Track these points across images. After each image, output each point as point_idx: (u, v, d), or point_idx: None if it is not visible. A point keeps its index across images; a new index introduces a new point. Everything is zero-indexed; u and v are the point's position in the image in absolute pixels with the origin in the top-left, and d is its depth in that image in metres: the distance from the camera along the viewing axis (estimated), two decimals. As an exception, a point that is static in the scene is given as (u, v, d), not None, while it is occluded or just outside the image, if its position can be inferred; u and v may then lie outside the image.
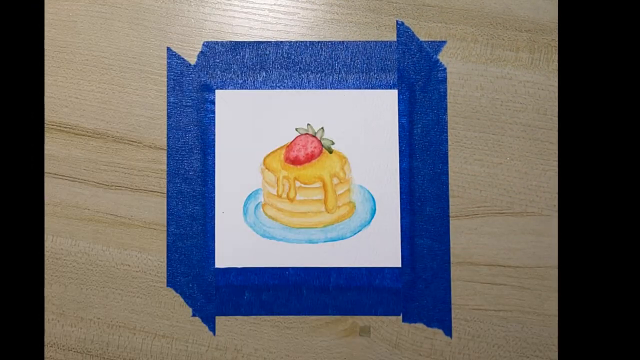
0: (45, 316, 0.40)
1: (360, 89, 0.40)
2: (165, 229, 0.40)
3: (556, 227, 0.40)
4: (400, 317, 0.40)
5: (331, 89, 0.40)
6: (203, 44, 0.40)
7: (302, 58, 0.40)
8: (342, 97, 0.40)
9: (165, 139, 0.40)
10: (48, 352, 0.40)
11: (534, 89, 0.40)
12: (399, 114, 0.40)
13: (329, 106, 0.40)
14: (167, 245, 0.40)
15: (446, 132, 0.40)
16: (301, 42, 0.40)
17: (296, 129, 0.40)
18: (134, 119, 0.40)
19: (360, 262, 0.40)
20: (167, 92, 0.40)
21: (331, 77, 0.40)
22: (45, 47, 0.40)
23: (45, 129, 0.40)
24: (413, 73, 0.40)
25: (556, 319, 0.39)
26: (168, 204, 0.40)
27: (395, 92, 0.40)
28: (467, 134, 0.40)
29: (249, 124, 0.40)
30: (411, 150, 0.40)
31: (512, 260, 0.40)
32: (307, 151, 0.40)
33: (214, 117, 0.40)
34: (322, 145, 0.40)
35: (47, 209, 0.40)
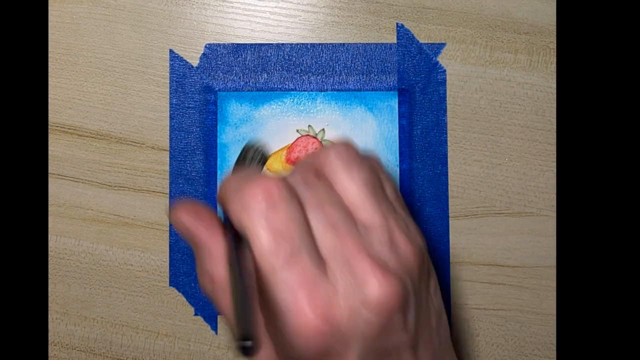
0: (49, 315, 0.40)
1: (360, 90, 0.41)
2: (167, 229, 0.40)
3: (554, 227, 0.40)
4: (400, 317, 0.40)
5: (332, 90, 0.41)
6: (205, 46, 0.41)
7: (303, 60, 0.41)
8: (342, 99, 0.41)
9: (168, 140, 0.41)
10: (52, 351, 0.40)
11: (532, 90, 0.41)
12: (398, 116, 0.41)
13: (329, 108, 0.41)
14: (170, 245, 0.40)
15: (446, 134, 0.40)
16: (302, 44, 0.41)
17: (297, 131, 0.41)
18: (136, 120, 0.41)
19: (360, 262, 0.40)
20: (170, 93, 0.41)
21: (332, 78, 0.41)
22: (49, 49, 0.41)
23: (49, 130, 0.41)
24: (413, 75, 0.41)
25: (554, 318, 0.40)
26: (171, 205, 0.40)
27: (395, 93, 0.41)
28: (467, 135, 0.41)
29: (251, 126, 0.41)
30: (411, 152, 0.40)
31: (510, 260, 0.40)
32: (308, 152, 0.41)
33: (216, 118, 0.41)
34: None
35: (51, 210, 0.40)
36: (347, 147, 0.24)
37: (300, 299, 0.20)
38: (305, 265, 0.20)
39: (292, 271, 0.20)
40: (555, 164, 0.40)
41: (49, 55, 0.41)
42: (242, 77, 0.41)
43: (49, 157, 0.41)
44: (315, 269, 0.20)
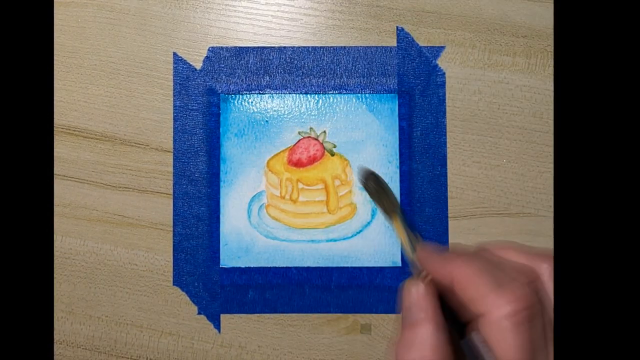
0: (55, 314, 0.41)
1: (361, 93, 0.41)
2: (171, 229, 0.41)
3: (552, 227, 0.41)
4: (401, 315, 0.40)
5: (333, 93, 0.41)
6: (208, 49, 0.41)
7: (304, 63, 0.41)
8: (343, 101, 0.41)
9: (172, 141, 0.41)
10: (57, 349, 0.41)
11: (530, 93, 0.41)
12: (399, 118, 0.41)
13: (330, 110, 0.41)
14: (174, 245, 0.41)
15: (445, 135, 0.41)
16: (304, 47, 0.42)
17: (299, 132, 0.41)
18: (141, 122, 0.41)
19: (361, 262, 0.41)
20: (173, 96, 0.41)
21: (333, 81, 0.41)
22: (55, 52, 0.41)
23: (55, 132, 0.41)
24: (413, 77, 0.41)
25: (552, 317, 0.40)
26: (174, 205, 0.41)
27: (395, 96, 0.41)
28: (465, 136, 0.41)
29: (253, 128, 0.41)
30: (411, 153, 0.41)
31: (509, 260, 0.41)
32: (309, 154, 0.41)
33: (219, 120, 0.41)
34: (324, 148, 0.41)
35: (57, 210, 0.41)
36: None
37: None
38: None
39: None
40: (552, 165, 0.41)
41: (55, 58, 0.41)
42: (244, 80, 0.41)
43: (55, 158, 0.41)
44: None
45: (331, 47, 0.41)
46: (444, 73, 0.41)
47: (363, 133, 0.41)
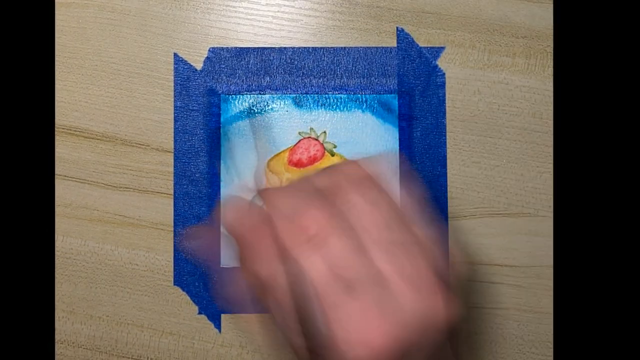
0: (56, 314, 0.41)
1: (361, 93, 0.41)
2: (172, 229, 0.41)
3: (551, 227, 0.41)
4: (401, 315, 0.41)
5: (333, 93, 0.41)
6: (209, 50, 0.42)
7: (305, 63, 0.42)
8: (343, 102, 0.41)
9: (172, 142, 0.41)
10: (59, 349, 0.41)
11: (529, 93, 0.41)
12: (399, 118, 0.41)
13: (331, 110, 0.41)
14: (174, 245, 0.41)
15: (445, 136, 0.41)
16: (304, 48, 0.42)
17: (299, 133, 0.41)
18: (141, 122, 0.41)
19: (361, 262, 0.41)
20: (174, 96, 0.41)
21: (333, 82, 0.42)
22: (56, 53, 0.42)
23: (56, 132, 0.41)
24: (413, 78, 0.42)
25: (551, 316, 0.41)
26: (175, 205, 0.41)
27: (395, 96, 0.41)
28: (465, 137, 0.41)
29: (253, 128, 0.41)
30: (411, 153, 0.41)
31: (508, 260, 0.41)
32: (309, 154, 0.41)
33: (220, 120, 0.41)
34: (325, 149, 0.41)
35: (58, 210, 0.41)
36: (356, 168, 0.25)
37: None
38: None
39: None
40: (552, 165, 0.41)
41: (56, 58, 0.42)
42: (245, 80, 0.42)
43: (56, 158, 0.41)
44: None
45: (331, 47, 0.42)
46: (444, 73, 0.41)
47: (363, 134, 0.41)
